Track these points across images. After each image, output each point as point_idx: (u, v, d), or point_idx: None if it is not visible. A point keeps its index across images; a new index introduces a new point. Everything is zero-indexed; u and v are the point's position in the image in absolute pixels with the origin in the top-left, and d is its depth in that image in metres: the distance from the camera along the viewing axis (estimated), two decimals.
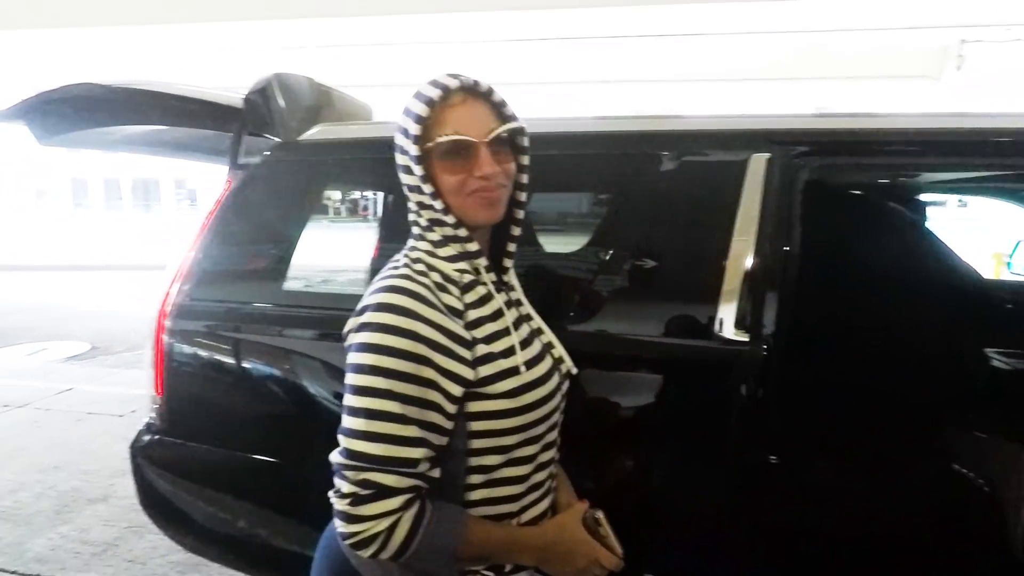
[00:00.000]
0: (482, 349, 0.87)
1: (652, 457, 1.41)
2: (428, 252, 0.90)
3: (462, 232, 0.89)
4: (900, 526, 1.36)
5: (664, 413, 1.35)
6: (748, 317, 1.31)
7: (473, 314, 0.88)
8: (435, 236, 0.90)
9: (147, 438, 1.70)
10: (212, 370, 1.64)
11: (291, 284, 1.61)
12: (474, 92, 0.87)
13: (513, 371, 0.88)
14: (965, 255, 1.77)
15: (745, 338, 1.31)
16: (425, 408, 0.82)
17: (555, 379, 0.95)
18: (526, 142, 0.93)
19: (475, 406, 0.86)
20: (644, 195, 1.45)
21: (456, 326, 0.85)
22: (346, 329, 0.88)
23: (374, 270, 1.98)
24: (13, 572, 2.45)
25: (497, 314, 0.91)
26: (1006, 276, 5.18)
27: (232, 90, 1.71)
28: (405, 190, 0.91)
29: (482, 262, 0.92)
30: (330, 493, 0.84)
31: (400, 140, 0.89)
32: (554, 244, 1.78)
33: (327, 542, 1.01)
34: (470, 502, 0.90)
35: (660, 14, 5.08)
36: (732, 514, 1.35)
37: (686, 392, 1.36)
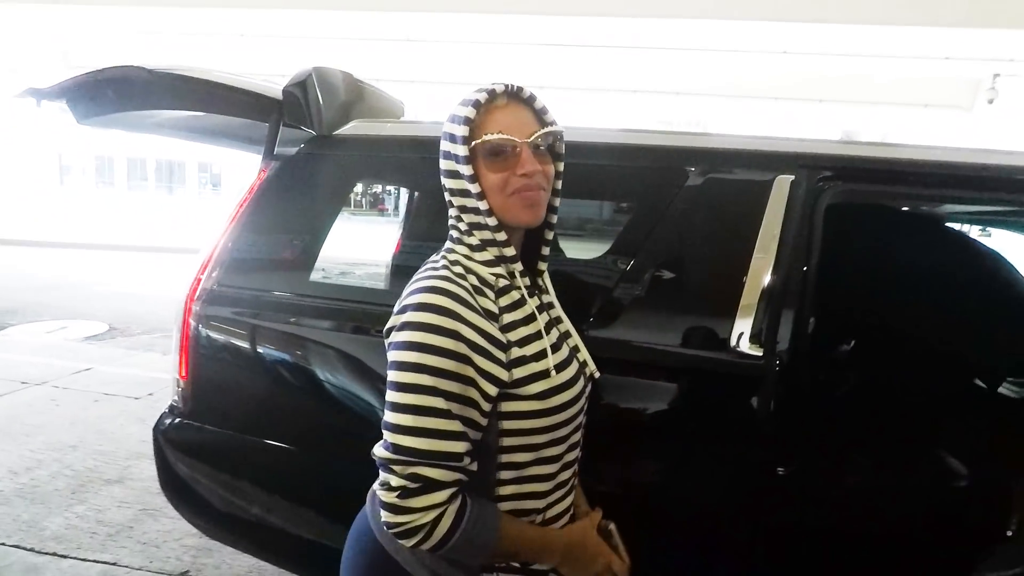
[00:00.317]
0: (516, 352, 0.91)
1: (664, 463, 1.44)
2: (466, 256, 0.95)
3: (501, 236, 0.93)
4: (909, 537, 1.38)
5: (678, 421, 1.39)
6: (763, 333, 1.34)
7: (507, 317, 0.93)
8: (474, 240, 0.94)
9: (169, 420, 1.74)
10: (238, 356, 1.68)
11: (319, 275, 1.65)
12: (518, 97, 0.93)
13: (544, 374, 0.92)
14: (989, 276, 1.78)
15: (759, 352, 1.34)
16: (466, 405, 0.86)
17: (581, 382, 0.99)
18: (563, 148, 0.98)
19: (507, 406, 0.90)
20: (671, 208, 1.48)
21: (493, 328, 0.89)
22: (387, 327, 0.93)
23: (397, 265, 2.05)
24: (31, 549, 2.50)
25: (530, 318, 0.95)
26: None
27: (254, 76, 1.75)
28: (448, 195, 0.96)
29: (517, 267, 0.96)
30: (376, 485, 0.88)
31: (446, 145, 0.94)
32: (576, 250, 1.81)
33: (359, 533, 1.03)
34: (500, 497, 0.94)
35: (701, 28, 5.12)
36: (741, 523, 1.38)
37: (700, 402, 1.40)
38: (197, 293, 1.67)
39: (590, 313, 1.46)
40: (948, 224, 1.87)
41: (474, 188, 0.91)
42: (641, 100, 8.21)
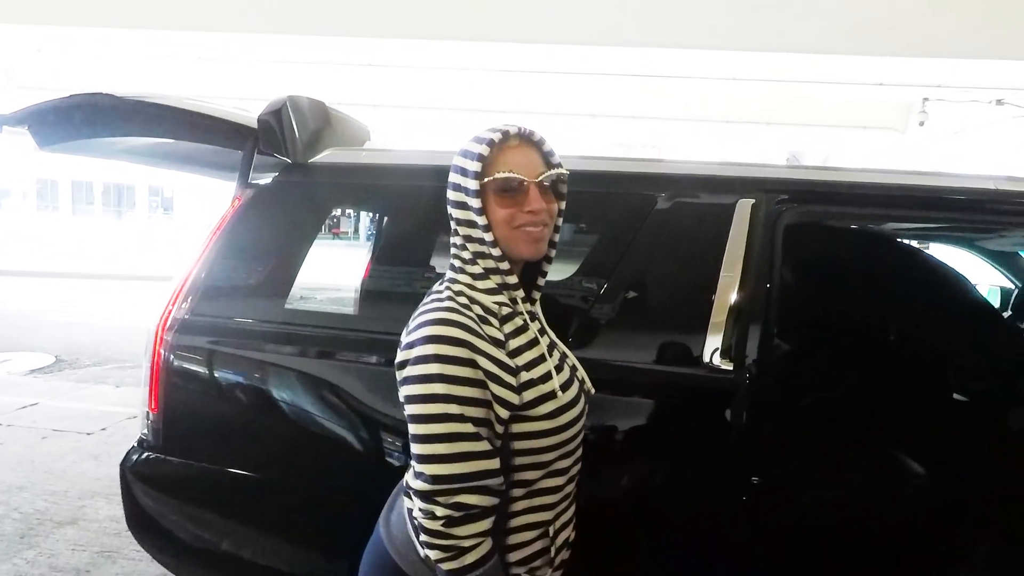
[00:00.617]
0: (524, 376, 0.95)
1: (645, 476, 1.48)
2: (469, 286, 0.99)
3: (504, 265, 0.98)
4: (879, 544, 1.45)
5: (656, 435, 1.45)
6: (733, 348, 1.41)
7: (513, 343, 0.97)
8: (477, 268, 0.99)
9: (137, 456, 1.68)
10: (213, 386, 1.65)
11: (296, 303, 1.65)
12: (529, 139, 1.00)
13: (552, 395, 0.97)
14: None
15: (730, 367, 1.41)
16: (488, 428, 0.92)
17: (582, 399, 1.05)
18: (566, 189, 1.05)
19: (519, 427, 0.95)
20: (641, 231, 1.55)
21: (502, 355, 0.94)
22: (399, 360, 0.96)
23: (368, 290, 2.06)
24: None
25: (533, 342, 1.00)
26: None
27: (214, 100, 1.76)
28: (453, 224, 1.00)
29: (519, 294, 1.01)
30: (417, 514, 0.92)
31: (457, 177, 0.99)
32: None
33: (377, 556, 1.05)
34: (513, 513, 0.98)
35: (657, 56, 5.34)
36: (720, 532, 1.43)
37: (677, 416, 1.46)
38: (168, 323, 1.65)
39: (568, 334, 1.50)
40: (896, 239, 2.00)
41: (481, 220, 0.96)
42: (599, 124, 8.45)
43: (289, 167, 1.71)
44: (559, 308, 1.61)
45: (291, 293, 1.65)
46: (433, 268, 1.92)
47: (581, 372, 1.10)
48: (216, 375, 1.65)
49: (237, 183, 1.74)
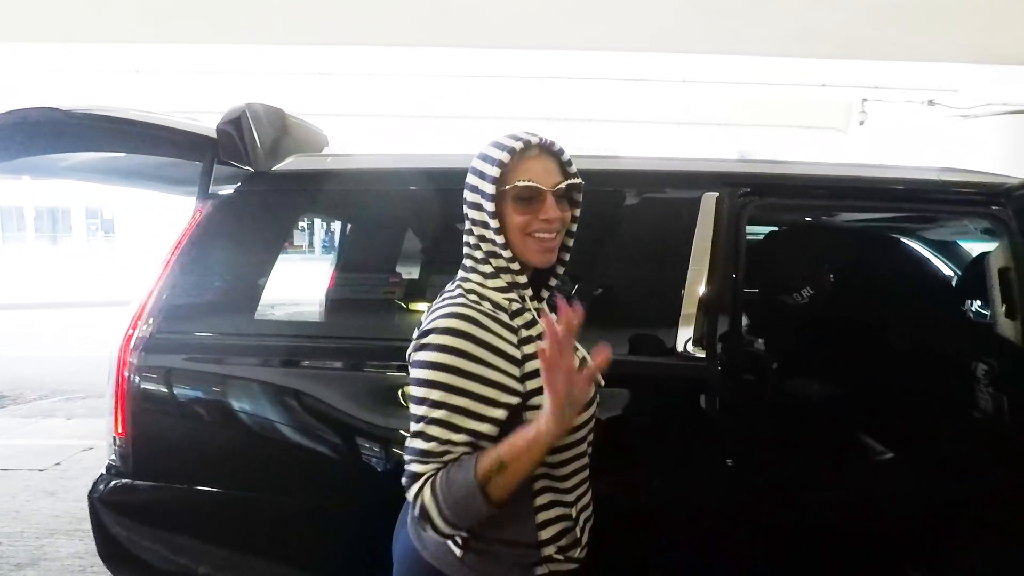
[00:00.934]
0: (531, 365, 0.98)
1: (627, 462, 1.49)
2: (480, 284, 1.02)
3: (515, 266, 1.01)
4: (846, 520, 1.51)
5: (636, 423, 1.47)
6: (704, 337, 1.45)
7: (524, 333, 1.01)
8: (488, 268, 1.02)
9: (105, 484, 1.61)
10: (183, 405, 1.60)
11: (267, 314, 1.61)
12: (548, 149, 1.03)
13: None
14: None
15: (703, 355, 1.44)
16: (477, 412, 0.93)
17: (593, 387, 1.05)
18: (580, 197, 1.08)
19: (532, 415, 0.96)
20: (612, 227, 1.57)
21: (509, 346, 0.97)
22: (409, 351, 0.99)
23: (339, 299, 2.02)
24: None
25: (541, 336, 1.01)
26: None
27: (166, 111, 1.71)
28: (469, 224, 1.03)
29: (528, 292, 1.04)
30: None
31: (475, 180, 1.02)
32: None
33: (411, 568, 1.05)
34: (537, 493, 1.01)
35: (612, 60, 5.45)
36: (700, 513, 1.47)
37: (656, 403, 1.50)
38: (132, 344, 1.58)
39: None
40: (850, 228, 2.10)
41: (495, 224, 0.99)
42: (553, 128, 8.56)
43: (251, 176, 1.67)
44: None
45: (261, 305, 1.61)
46: (400, 274, 1.91)
47: (590, 362, 1.07)
48: (186, 393, 1.60)
49: (197, 195, 1.69)
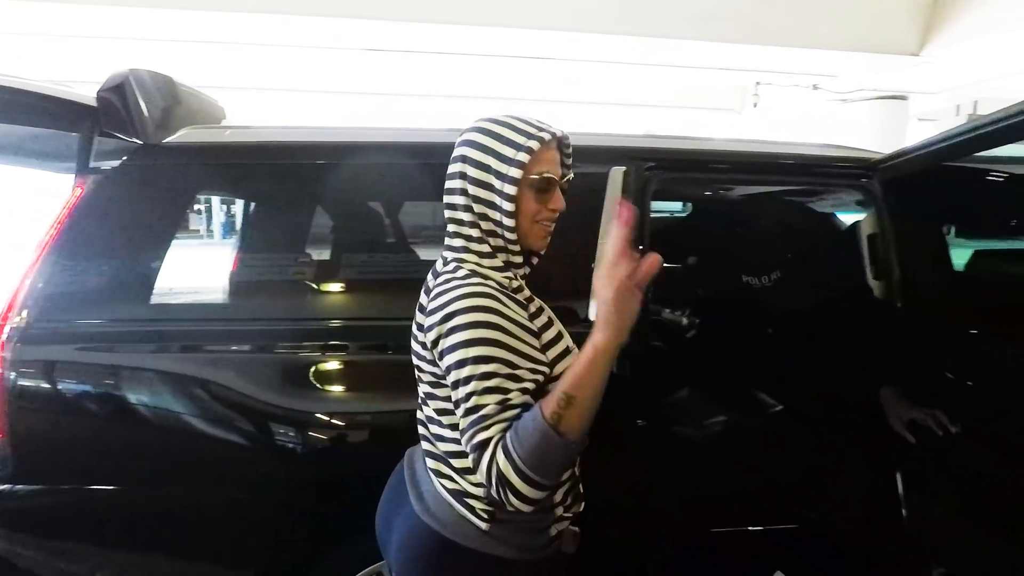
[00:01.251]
0: (545, 337, 1.03)
1: None
2: (476, 264, 1.02)
3: (515, 247, 1.04)
4: (745, 476, 1.65)
5: None
6: None
7: (530, 308, 1.05)
8: (485, 248, 1.03)
9: None
10: (71, 399, 1.48)
11: (165, 298, 1.51)
12: (561, 142, 1.06)
13: (567, 351, 1.05)
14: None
15: None
16: (516, 379, 0.93)
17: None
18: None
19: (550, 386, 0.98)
20: None
21: (525, 320, 1.00)
22: (433, 337, 0.97)
23: (238, 282, 1.92)
24: None
25: (540, 310, 1.08)
26: None
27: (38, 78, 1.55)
28: (467, 200, 1.02)
29: (522, 271, 1.08)
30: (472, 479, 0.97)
31: (491, 160, 1.01)
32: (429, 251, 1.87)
33: (430, 549, 1.02)
34: None
35: (516, 37, 5.44)
36: (605, 474, 1.53)
37: None
38: (6, 336, 1.43)
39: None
40: (749, 199, 2.24)
41: (509, 207, 1.00)
42: (459, 106, 8.48)
43: (139, 149, 1.54)
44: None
45: (158, 289, 1.50)
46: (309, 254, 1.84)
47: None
48: (72, 386, 1.47)
49: (76, 171, 1.54)
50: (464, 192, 1.02)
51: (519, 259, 1.05)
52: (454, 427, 0.98)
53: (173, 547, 1.53)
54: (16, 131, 1.64)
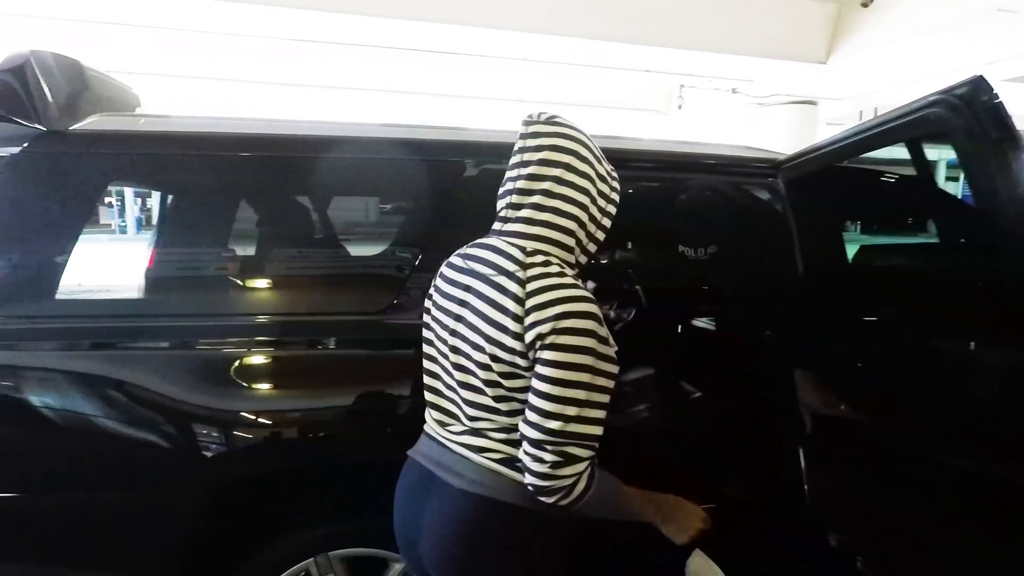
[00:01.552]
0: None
1: None
2: (560, 264, 1.07)
3: (584, 258, 1.13)
4: (662, 458, 1.74)
5: None
6: None
7: None
8: (571, 257, 1.09)
9: None
10: None
11: (74, 294, 1.43)
12: None
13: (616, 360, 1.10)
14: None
15: None
16: (608, 395, 1.03)
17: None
18: None
19: None
20: (452, 198, 1.61)
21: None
22: (538, 332, 0.98)
23: (156, 277, 1.84)
24: None
25: None
26: None
27: None
28: (596, 213, 1.10)
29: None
30: (523, 456, 1.01)
31: (614, 195, 1.14)
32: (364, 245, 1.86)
33: (479, 509, 1.06)
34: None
35: (446, 33, 5.42)
36: None
37: None
38: None
39: (391, 302, 1.52)
40: (668, 196, 2.34)
41: (608, 223, 1.13)
42: (395, 101, 8.36)
43: (42, 136, 1.45)
44: (376, 279, 1.62)
45: (65, 284, 1.41)
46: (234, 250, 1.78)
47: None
48: None
49: None
50: (585, 206, 1.08)
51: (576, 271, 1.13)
52: (512, 413, 1.04)
53: (84, 557, 1.45)
54: None
